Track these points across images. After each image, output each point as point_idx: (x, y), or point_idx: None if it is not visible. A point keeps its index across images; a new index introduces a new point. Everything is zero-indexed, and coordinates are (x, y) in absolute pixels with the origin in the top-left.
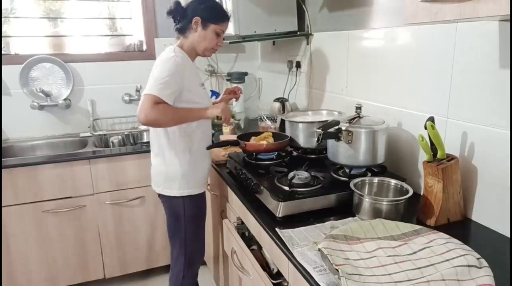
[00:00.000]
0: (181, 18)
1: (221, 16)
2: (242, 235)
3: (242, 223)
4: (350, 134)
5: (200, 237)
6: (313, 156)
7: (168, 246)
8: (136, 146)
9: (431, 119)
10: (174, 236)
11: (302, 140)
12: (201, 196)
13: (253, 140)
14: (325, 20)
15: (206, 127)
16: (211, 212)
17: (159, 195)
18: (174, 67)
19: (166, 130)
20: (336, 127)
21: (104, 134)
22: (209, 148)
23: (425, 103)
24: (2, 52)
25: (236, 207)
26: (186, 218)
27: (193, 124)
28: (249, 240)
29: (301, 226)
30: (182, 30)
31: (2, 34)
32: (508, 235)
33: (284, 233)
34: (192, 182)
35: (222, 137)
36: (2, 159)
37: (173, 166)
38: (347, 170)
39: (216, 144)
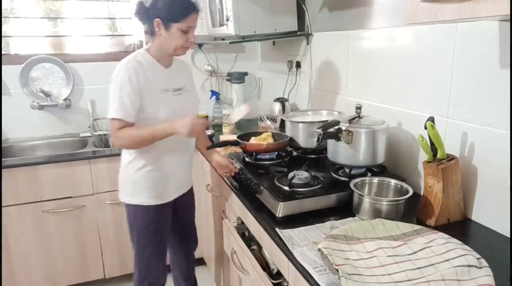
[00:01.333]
0: (145, 20)
1: (183, 12)
2: (242, 235)
3: (242, 223)
4: (350, 134)
5: (152, 254)
6: (313, 156)
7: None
8: None
9: (431, 119)
10: (132, 244)
11: (302, 140)
12: (158, 209)
13: (253, 141)
14: (325, 20)
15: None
16: (211, 212)
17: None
18: (120, 80)
19: None
20: (336, 127)
21: (104, 134)
22: (209, 148)
23: (425, 103)
24: (2, 52)
25: (236, 207)
26: (137, 229)
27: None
28: (249, 240)
29: (301, 226)
30: (149, 33)
31: (2, 34)
32: (508, 235)
33: (284, 233)
34: (145, 192)
35: (222, 138)
36: (2, 159)
37: (127, 169)
38: (347, 170)
39: (216, 144)
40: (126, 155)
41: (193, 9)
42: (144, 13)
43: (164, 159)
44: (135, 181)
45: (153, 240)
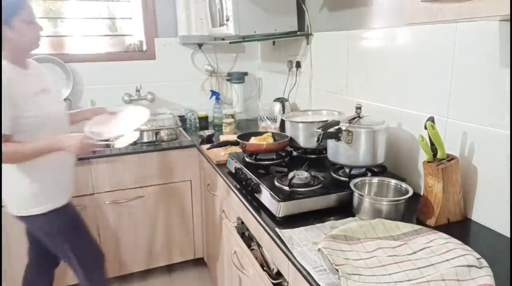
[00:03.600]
0: None
1: (14, 5)
2: (242, 235)
3: (242, 223)
4: (350, 134)
5: (89, 243)
6: (313, 156)
7: (168, 246)
8: (136, 145)
9: (431, 119)
10: (63, 254)
11: (302, 140)
12: (67, 209)
13: (253, 140)
14: (325, 20)
15: (40, 134)
16: (211, 212)
17: (21, 218)
18: None
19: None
20: (336, 127)
21: None
22: (209, 148)
23: (425, 103)
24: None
25: (236, 207)
26: (62, 233)
27: (21, 133)
28: (249, 240)
29: (301, 226)
30: None
31: None
32: (508, 235)
33: (284, 233)
34: (50, 195)
35: (222, 138)
36: None
37: (22, 180)
38: (347, 170)
39: (216, 144)
40: (14, 168)
41: (20, 1)
42: None
43: (50, 161)
44: (40, 188)
45: (82, 232)
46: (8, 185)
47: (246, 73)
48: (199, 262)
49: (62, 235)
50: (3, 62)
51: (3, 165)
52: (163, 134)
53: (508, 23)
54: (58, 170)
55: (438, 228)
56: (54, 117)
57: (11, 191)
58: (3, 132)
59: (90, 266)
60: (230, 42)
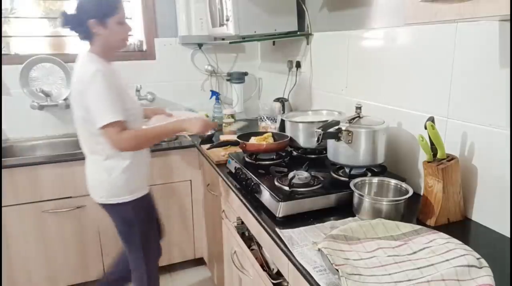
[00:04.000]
0: (77, 27)
1: (111, 6)
2: (242, 235)
3: (242, 223)
4: (350, 134)
5: (155, 237)
6: (313, 156)
7: (168, 246)
8: None
9: (431, 119)
10: (132, 243)
11: (302, 140)
12: (147, 197)
13: (253, 140)
14: (325, 20)
15: (139, 128)
16: (211, 212)
17: (104, 205)
18: (104, 81)
19: (95, 136)
20: (336, 127)
21: None
22: (209, 148)
23: (425, 103)
24: (2, 52)
25: (236, 207)
26: (138, 222)
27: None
28: (249, 240)
29: (301, 226)
30: (87, 37)
31: (2, 34)
32: (508, 235)
33: (284, 233)
34: (135, 185)
35: (222, 137)
36: (2, 159)
37: (115, 172)
38: (347, 170)
39: (216, 144)
40: (104, 160)
41: (118, 2)
42: (73, 20)
43: (138, 153)
44: (128, 178)
45: (152, 226)
46: (96, 175)
47: (246, 73)
48: (199, 262)
49: (140, 224)
50: (95, 56)
51: (94, 157)
52: None
53: (508, 23)
54: (143, 163)
55: (438, 228)
56: (140, 111)
57: (101, 180)
58: (121, 119)
59: (150, 258)
60: (230, 42)
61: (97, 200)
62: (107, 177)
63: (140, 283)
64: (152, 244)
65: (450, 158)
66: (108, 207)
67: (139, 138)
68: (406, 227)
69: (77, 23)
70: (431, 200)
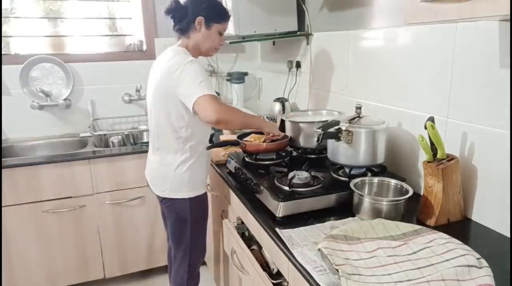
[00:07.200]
0: (182, 18)
1: (224, 15)
2: (242, 235)
3: (242, 223)
4: (350, 134)
5: (203, 237)
6: (313, 156)
7: (168, 246)
8: (136, 145)
9: (431, 119)
10: (180, 239)
11: (302, 140)
12: (205, 196)
13: (253, 140)
14: (325, 20)
15: (207, 129)
16: (211, 212)
17: (163, 199)
18: (200, 67)
19: (176, 131)
20: (336, 127)
21: (104, 134)
22: (209, 148)
23: (425, 103)
24: (2, 52)
25: (236, 207)
26: (192, 220)
27: (198, 125)
28: (249, 240)
29: (301, 226)
30: (184, 31)
31: (2, 34)
32: (508, 235)
33: (284, 233)
34: (197, 183)
35: (222, 138)
36: (2, 159)
37: (181, 167)
38: (347, 170)
39: (216, 144)
40: (173, 155)
41: (229, 16)
42: (182, 10)
43: (203, 151)
44: (191, 176)
45: (204, 226)
46: (164, 169)
47: (246, 73)
48: None
49: (193, 222)
50: (186, 50)
51: (165, 152)
52: None
53: (508, 23)
54: (205, 162)
55: (438, 228)
56: None
57: (167, 174)
58: (214, 93)
59: (194, 257)
60: (230, 42)
61: (158, 194)
62: (173, 172)
63: (180, 282)
64: (199, 244)
65: (450, 158)
66: (167, 201)
67: (233, 112)
68: (406, 227)
69: (184, 14)
70: (431, 200)
